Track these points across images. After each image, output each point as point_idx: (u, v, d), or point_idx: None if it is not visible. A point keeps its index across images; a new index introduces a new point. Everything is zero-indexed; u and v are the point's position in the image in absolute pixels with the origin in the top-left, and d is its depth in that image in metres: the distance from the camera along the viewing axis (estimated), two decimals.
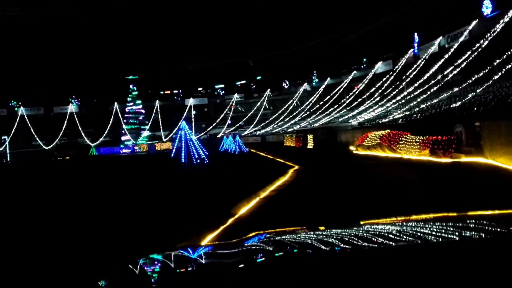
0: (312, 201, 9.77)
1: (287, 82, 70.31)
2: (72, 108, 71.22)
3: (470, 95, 25.95)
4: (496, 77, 26.32)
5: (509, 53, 26.45)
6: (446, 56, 36.32)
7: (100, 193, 13.59)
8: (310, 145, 34.90)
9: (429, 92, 34.86)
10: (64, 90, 71.36)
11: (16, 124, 65.76)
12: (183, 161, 22.24)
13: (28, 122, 66.00)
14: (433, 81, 36.16)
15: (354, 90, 51.10)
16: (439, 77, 36.28)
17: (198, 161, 22.16)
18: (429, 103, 31.83)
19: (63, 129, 66.66)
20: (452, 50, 36.27)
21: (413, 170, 14.26)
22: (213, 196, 11.14)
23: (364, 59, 55.18)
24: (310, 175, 15.39)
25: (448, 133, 17.33)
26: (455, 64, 33.28)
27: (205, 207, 9.60)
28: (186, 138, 22.33)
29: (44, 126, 65.87)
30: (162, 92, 76.30)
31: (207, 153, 22.96)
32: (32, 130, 64.60)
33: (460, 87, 30.15)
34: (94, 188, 15.36)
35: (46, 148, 62.44)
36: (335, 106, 52.15)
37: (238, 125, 67.20)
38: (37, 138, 64.50)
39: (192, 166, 21.37)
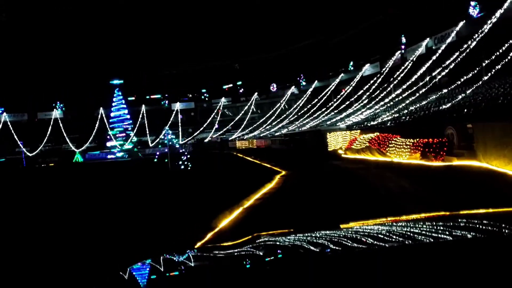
0: (299, 211, 9.10)
1: (275, 86, 69.74)
2: (56, 113, 69.84)
3: (460, 97, 25.56)
4: (485, 77, 25.99)
5: (497, 53, 26.16)
6: (434, 57, 36.09)
7: (70, 204, 12.75)
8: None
9: (417, 94, 34.52)
10: (49, 96, 70.05)
11: None
12: (168, 166, 21.49)
13: (11, 128, 64.49)
14: (421, 83, 35.86)
15: (342, 93, 50.71)
16: (427, 78, 36.01)
17: (182, 166, 21.39)
18: (417, 105, 31.44)
19: (47, 135, 65.30)
20: (439, 51, 36.06)
21: (405, 175, 13.65)
22: (193, 207, 10.40)
23: (351, 62, 54.87)
24: (297, 181, 14.71)
25: (439, 135, 16.81)
26: (443, 65, 33.00)
27: (182, 219, 8.86)
28: (169, 144, 21.56)
29: (28, 132, 64.44)
30: (148, 97, 75.23)
31: (190, 158, 22.19)
32: (15, 136, 63.05)
33: (449, 89, 29.81)
34: (64, 198, 14.51)
35: (30, 154, 60.96)
36: (323, 109, 51.72)
37: (225, 129, 66.44)
38: (20, 145, 62.97)
39: (175, 171, 20.59)
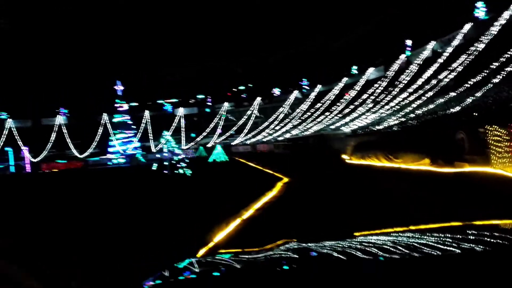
0: (303, 222, 8.39)
1: (278, 90, 69.10)
2: (60, 119, 69.49)
3: (469, 99, 24.79)
4: (496, 80, 25.19)
5: (507, 55, 25.43)
6: (441, 60, 35.38)
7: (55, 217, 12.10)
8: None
9: (424, 98, 33.72)
10: (52, 101, 69.91)
11: (4, 136, 63.88)
12: (165, 171, 20.84)
13: (16, 134, 64.20)
14: (427, 86, 35.08)
15: (346, 97, 49.97)
16: (434, 82, 35.25)
17: (181, 171, 20.73)
18: (424, 108, 30.67)
19: (51, 141, 64.98)
20: (446, 54, 35.35)
21: (415, 184, 12.88)
22: (188, 218, 9.69)
23: (356, 66, 54.13)
24: (300, 189, 13.96)
25: (449, 140, 16.09)
26: (450, 68, 32.28)
27: (174, 233, 8.16)
28: (169, 149, 20.94)
29: (32, 138, 64.10)
30: (151, 102, 74.79)
31: (191, 164, 21.50)
32: (20, 142, 62.65)
33: (457, 91, 29.04)
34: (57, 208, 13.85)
35: (34, 160, 60.63)
36: (327, 114, 50.98)
37: (228, 134, 65.80)
38: (24, 151, 62.56)
39: (173, 177, 19.91)
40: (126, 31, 69.01)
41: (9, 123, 66.47)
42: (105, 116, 66.25)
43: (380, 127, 33.21)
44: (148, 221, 9.75)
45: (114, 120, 63.51)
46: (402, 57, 44.14)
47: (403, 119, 31.49)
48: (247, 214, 9.59)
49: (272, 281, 1.51)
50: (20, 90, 67.96)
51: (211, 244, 7.10)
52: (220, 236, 7.66)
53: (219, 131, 66.84)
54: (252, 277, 1.61)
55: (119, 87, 62.29)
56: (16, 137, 63.15)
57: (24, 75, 67.81)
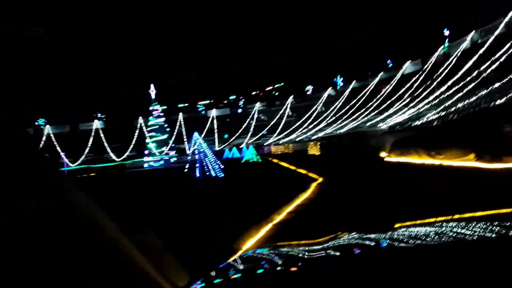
0: (338, 225, 7.74)
1: (311, 88, 68.09)
2: (97, 124, 71.09)
3: None
4: None
5: None
6: (481, 51, 33.67)
7: None
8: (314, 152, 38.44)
9: (465, 90, 32.11)
10: (89, 106, 71.65)
11: (42, 142, 65.81)
12: (197, 175, 20.51)
13: (54, 140, 66.10)
14: (468, 78, 33.42)
15: (382, 93, 48.45)
16: (475, 73, 33.54)
17: (214, 175, 20.34)
18: (466, 101, 29.17)
19: (88, 145, 66.56)
20: (487, 44, 33.61)
21: (461, 182, 11.91)
22: (215, 223, 9.18)
23: (391, 60, 52.52)
24: (336, 190, 13.22)
25: (494, 134, 14.96)
26: (492, 59, 30.61)
27: (199, 240, 7.67)
28: (200, 151, 20.60)
29: (70, 144, 65.84)
30: (184, 105, 75.39)
31: (222, 166, 21.08)
32: (58, 148, 64.46)
33: (501, 82, 27.44)
34: None
35: (72, 165, 62.21)
36: (362, 110, 49.59)
37: (261, 134, 65.36)
38: (63, 156, 64.31)
39: (205, 181, 19.54)
40: (163, 37, 69.93)
41: (47, 129, 68.53)
42: (140, 120, 67.32)
43: (419, 122, 31.86)
44: (173, 225, 9.32)
45: (149, 123, 64.42)
46: (440, 49, 42.46)
47: (442, 113, 30.08)
48: (279, 217, 9.02)
49: (329, 272, 1.49)
50: (57, 96, 69.80)
51: (240, 252, 6.57)
52: (250, 243, 7.14)
53: (251, 131, 66.59)
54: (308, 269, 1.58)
55: (153, 91, 63.11)
56: (54, 143, 65.07)
57: (60, 81, 69.65)
